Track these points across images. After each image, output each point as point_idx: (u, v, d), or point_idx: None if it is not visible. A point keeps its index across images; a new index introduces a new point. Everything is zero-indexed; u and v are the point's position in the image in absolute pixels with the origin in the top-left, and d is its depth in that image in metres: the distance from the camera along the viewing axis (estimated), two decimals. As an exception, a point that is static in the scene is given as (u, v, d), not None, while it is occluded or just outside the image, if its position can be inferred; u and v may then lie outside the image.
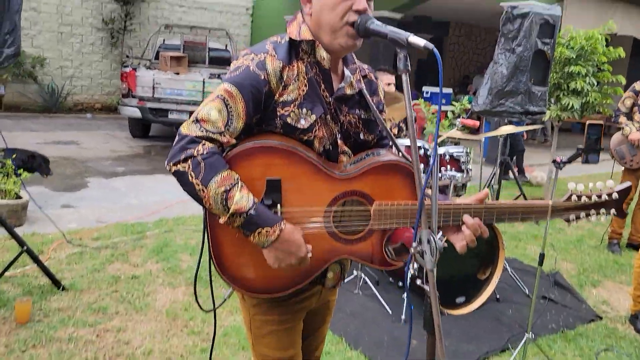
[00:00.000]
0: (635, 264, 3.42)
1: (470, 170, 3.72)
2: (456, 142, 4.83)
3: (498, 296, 3.74)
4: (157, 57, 9.45)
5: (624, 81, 6.53)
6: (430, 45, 1.19)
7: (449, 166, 3.65)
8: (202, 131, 1.32)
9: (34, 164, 5.12)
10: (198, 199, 1.32)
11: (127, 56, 10.57)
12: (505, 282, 3.96)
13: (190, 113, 8.49)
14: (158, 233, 4.58)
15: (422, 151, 3.51)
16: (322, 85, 1.44)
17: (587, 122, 2.53)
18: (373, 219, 1.42)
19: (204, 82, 8.65)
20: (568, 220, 1.43)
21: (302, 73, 1.41)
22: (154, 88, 8.53)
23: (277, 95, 1.38)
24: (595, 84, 6.18)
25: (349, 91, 1.48)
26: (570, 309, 3.67)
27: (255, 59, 1.37)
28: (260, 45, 1.42)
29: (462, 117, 5.32)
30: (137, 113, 8.53)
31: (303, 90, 1.40)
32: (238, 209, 1.29)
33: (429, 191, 1.35)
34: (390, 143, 1.59)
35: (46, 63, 11.66)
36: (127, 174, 6.75)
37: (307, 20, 1.43)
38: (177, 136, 1.34)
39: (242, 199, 1.30)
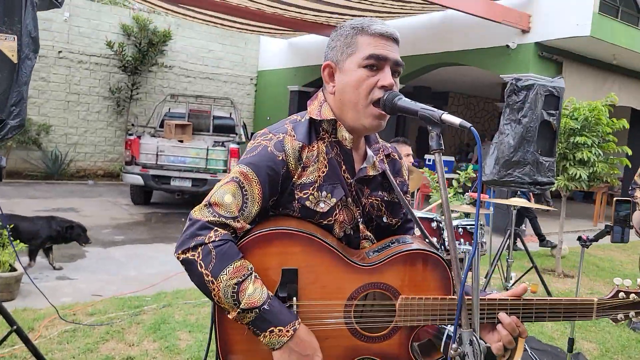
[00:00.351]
0: None
1: (485, 243, 3.58)
2: (466, 214, 4.72)
3: (519, 380, 3.47)
4: (162, 125, 9.55)
5: (629, 152, 6.52)
6: (467, 124, 1.10)
7: (462, 239, 3.51)
8: (214, 216, 1.21)
9: (72, 234, 5.18)
10: (207, 291, 1.19)
11: (132, 124, 10.70)
12: (525, 364, 3.71)
13: (193, 180, 8.57)
14: (156, 308, 4.36)
15: (434, 224, 3.38)
16: (344, 166, 1.34)
17: (615, 199, 2.42)
18: (398, 315, 1.27)
19: (207, 150, 8.67)
20: (616, 320, 1.28)
21: (323, 153, 1.32)
22: (157, 155, 8.55)
23: (295, 177, 1.29)
24: (601, 154, 6.17)
25: (371, 172, 1.38)
26: (597, 396, 3.40)
27: (273, 139, 1.29)
28: (279, 125, 1.34)
29: (470, 191, 5.23)
30: (139, 180, 8.50)
31: (323, 172, 1.31)
32: (250, 304, 1.16)
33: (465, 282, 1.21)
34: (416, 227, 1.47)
35: (51, 130, 11.79)
36: (127, 243, 6.59)
37: (330, 99, 1.35)
38: (187, 221, 1.23)
39: (255, 293, 1.17)
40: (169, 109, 10.19)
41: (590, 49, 9.01)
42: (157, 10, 11.44)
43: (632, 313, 1.27)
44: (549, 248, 7.67)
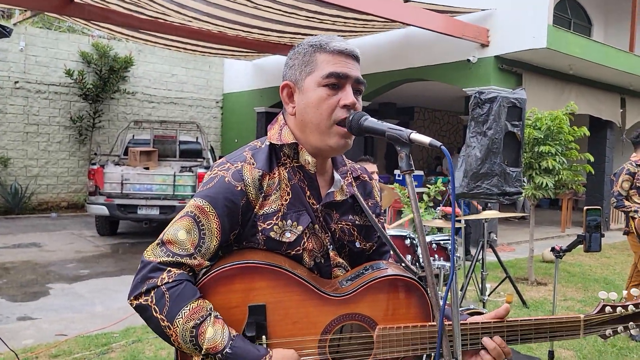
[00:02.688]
0: None
1: (459, 257, 3.56)
2: (439, 228, 4.71)
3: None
4: (126, 153, 9.34)
5: (591, 158, 6.68)
6: (437, 143, 1.05)
7: (436, 255, 3.48)
8: (167, 255, 1.13)
9: None
10: (165, 337, 1.11)
11: (95, 153, 10.43)
12: (507, 377, 3.67)
13: (161, 207, 8.36)
14: (125, 344, 4.16)
15: (407, 241, 3.34)
16: (308, 192, 1.27)
17: (585, 208, 2.43)
18: (377, 347, 1.19)
19: (174, 176, 8.49)
20: (604, 336, 1.24)
21: (285, 180, 1.25)
22: (122, 184, 8.33)
23: (257, 207, 1.21)
24: (565, 162, 6.30)
25: (339, 197, 1.31)
26: (579, 405, 3.38)
27: (231, 169, 1.22)
28: (238, 153, 1.27)
29: (441, 205, 5.24)
30: (104, 210, 8.24)
31: (286, 200, 1.24)
32: (211, 348, 1.07)
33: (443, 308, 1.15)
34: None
35: (10, 163, 11.39)
36: (92, 277, 6.33)
37: (290, 121, 1.29)
38: (140, 263, 1.13)
39: (216, 335, 1.08)
40: (133, 136, 9.97)
41: (547, 60, 9.27)
42: (117, 37, 11.25)
43: (620, 327, 1.23)
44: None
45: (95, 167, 8.34)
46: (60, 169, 12.22)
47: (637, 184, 4.76)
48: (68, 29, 13.80)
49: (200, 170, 8.54)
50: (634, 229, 4.63)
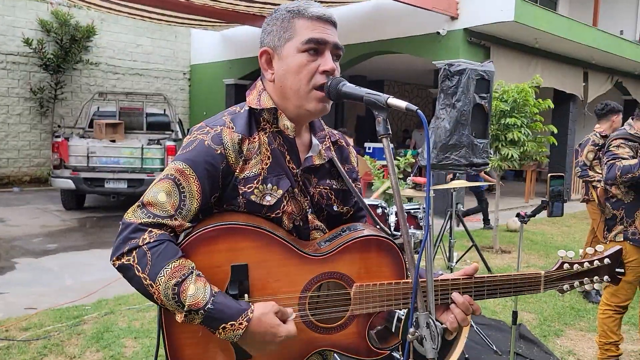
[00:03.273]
0: (599, 311, 3.41)
1: (430, 225, 3.65)
2: (409, 198, 4.81)
3: (467, 356, 3.59)
4: (91, 125, 9.11)
5: (555, 130, 6.88)
6: (413, 107, 1.09)
7: (407, 224, 3.57)
8: (148, 217, 1.14)
9: None
10: (148, 295, 1.13)
11: (59, 126, 10.13)
12: (472, 339, 3.84)
13: (128, 181, 8.23)
14: (97, 316, 4.15)
15: (379, 210, 3.41)
16: (288, 156, 1.30)
17: (549, 174, 2.53)
18: (354, 303, 1.25)
19: (142, 149, 8.35)
20: (562, 291, 1.33)
21: (265, 144, 1.27)
22: (88, 157, 8.16)
23: (237, 171, 1.23)
24: (530, 134, 6.48)
25: (317, 161, 1.34)
26: (539, 363, 3.58)
27: (210, 133, 1.23)
28: (217, 118, 1.28)
29: (411, 175, 5.34)
30: (70, 184, 8.07)
31: (266, 164, 1.26)
32: (193, 305, 1.10)
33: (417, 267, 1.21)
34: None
35: (-32, 136, 10.97)
36: (60, 251, 6.24)
37: (269, 87, 1.30)
38: (120, 225, 1.15)
39: (198, 292, 1.11)
40: (98, 108, 9.71)
41: (514, 33, 9.41)
42: (77, 5, 10.82)
43: (576, 283, 1.32)
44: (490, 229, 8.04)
45: (59, 139, 8.11)
46: (22, 142, 11.84)
47: (600, 155, 4.97)
48: (25, -5, 13.17)
49: (169, 143, 8.42)
50: (595, 197, 4.84)
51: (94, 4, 10.10)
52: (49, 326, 3.92)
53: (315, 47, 1.23)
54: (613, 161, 3.04)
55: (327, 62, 1.24)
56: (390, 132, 1.13)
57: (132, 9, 10.11)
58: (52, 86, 11.88)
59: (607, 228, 3.32)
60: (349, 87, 1.20)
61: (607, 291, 3.38)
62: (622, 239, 3.21)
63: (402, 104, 1.10)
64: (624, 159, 3.03)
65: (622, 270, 3.31)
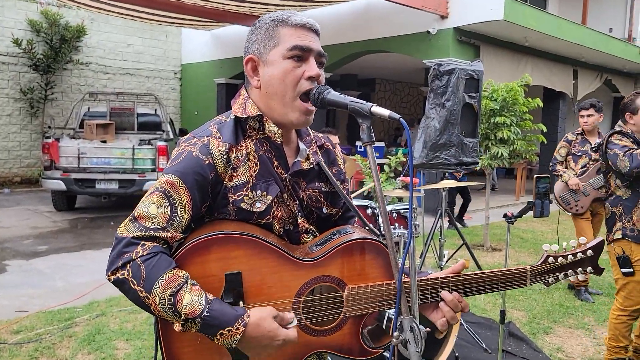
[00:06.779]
0: (611, 315, 3.33)
1: (418, 225, 3.69)
2: (399, 198, 4.83)
3: (457, 354, 3.63)
4: (81, 126, 9.06)
5: (544, 128, 6.95)
6: (396, 116, 1.11)
7: (397, 224, 3.60)
8: (140, 230, 1.17)
9: None
10: (145, 307, 1.15)
11: (49, 126, 10.06)
12: (462, 338, 3.88)
13: (120, 181, 8.21)
14: (89, 319, 4.15)
15: (369, 210, 3.44)
16: (276, 162, 1.33)
17: (535, 176, 2.57)
18: (346, 305, 1.28)
19: (133, 149, 8.32)
20: (547, 284, 1.37)
21: (252, 152, 1.29)
22: (79, 158, 8.12)
23: (226, 180, 1.26)
24: (519, 132, 6.54)
25: (305, 165, 1.37)
26: (528, 360, 3.63)
27: (198, 144, 1.25)
28: (203, 128, 1.31)
29: (402, 175, 5.37)
30: (61, 185, 8.03)
31: (255, 171, 1.29)
32: (190, 313, 1.12)
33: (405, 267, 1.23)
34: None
35: (-43, 137, 10.88)
36: (51, 253, 6.22)
37: (254, 94, 1.33)
38: (114, 240, 1.17)
39: (194, 300, 1.13)
40: (89, 108, 9.67)
41: (504, 32, 9.47)
42: (67, 4, 10.75)
43: (560, 275, 1.36)
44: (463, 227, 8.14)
45: (49, 140, 8.08)
46: (12, 142, 11.76)
47: (573, 150, 5.08)
48: (14, -5, 13.06)
49: (160, 143, 8.40)
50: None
51: (84, 4, 10.04)
52: (40, 329, 3.92)
53: (300, 54, 1.26)
54: (630, 151, 2.98)
55: (312, 68, 1.27)
56: (374, 140, 1.16)
57: (122, 8, 10.06)
58: (42, 86, 11.80)
59: (607, 229, 3.28)
60: (333, 94, 1.23)
61: (620, 295, 3.25)
62: (620, 236, 3.12)
63: (385, 112, 1.13)
64: (633, 148, 2.99)
65: (631, 270, 3.31)
